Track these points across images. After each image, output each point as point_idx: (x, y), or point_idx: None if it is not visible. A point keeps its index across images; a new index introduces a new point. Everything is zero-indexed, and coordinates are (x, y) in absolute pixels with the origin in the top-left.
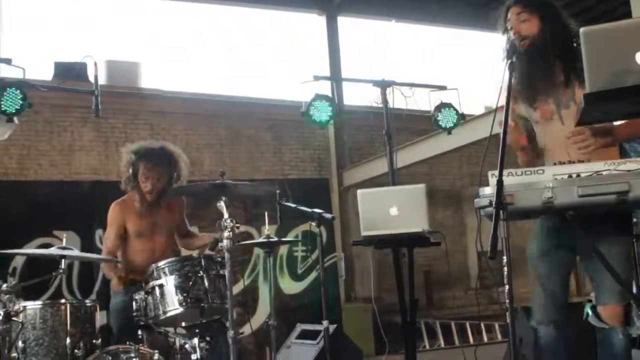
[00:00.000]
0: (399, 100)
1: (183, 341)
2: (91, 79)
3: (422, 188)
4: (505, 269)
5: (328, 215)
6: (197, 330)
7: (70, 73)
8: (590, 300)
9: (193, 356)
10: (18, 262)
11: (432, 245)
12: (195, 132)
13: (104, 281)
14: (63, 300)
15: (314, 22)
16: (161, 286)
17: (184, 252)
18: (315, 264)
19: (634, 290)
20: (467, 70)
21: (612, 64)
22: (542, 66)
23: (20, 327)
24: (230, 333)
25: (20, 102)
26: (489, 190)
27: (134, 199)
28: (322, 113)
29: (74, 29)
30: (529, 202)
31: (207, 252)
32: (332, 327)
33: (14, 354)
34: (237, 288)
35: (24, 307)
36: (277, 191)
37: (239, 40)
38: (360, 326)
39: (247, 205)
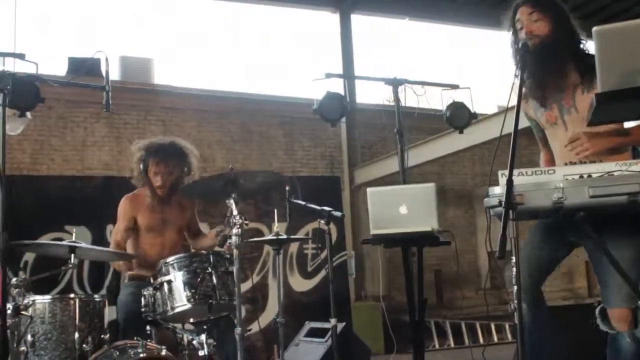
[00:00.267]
0: (411, 98)
1: (191, 337)
2: (103, 74)
3: (432, 187)
4: (514, 269)
5: (337, 213)
6: (205, 327)
7: (83, 69)
8: (600, 302)
9: (200, 352)
10: (29, 257)
11: (441, 245)
12: (207, 129)
13: (114, 276)
14: (72, 295)
15: (327, 20)
16: (169, 282)
17: None
18: (325, 262)
19: None
20: (480, 69)
21: (624, 64)
22: (551, 66)
23: (29, 321)
24: (238, 330)
25: (33, 97)
26: (498, 190)
27: (145, 194)
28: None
29: (89, 25)
30: (539, 202)
31: (216, 248)
32: (340, 326)
33: (23, 348)
34: (246, 285)
35: (33, 301)
36: (287, 188)
37: (252, 37)
38: (370, 325)
39: (257, 202)
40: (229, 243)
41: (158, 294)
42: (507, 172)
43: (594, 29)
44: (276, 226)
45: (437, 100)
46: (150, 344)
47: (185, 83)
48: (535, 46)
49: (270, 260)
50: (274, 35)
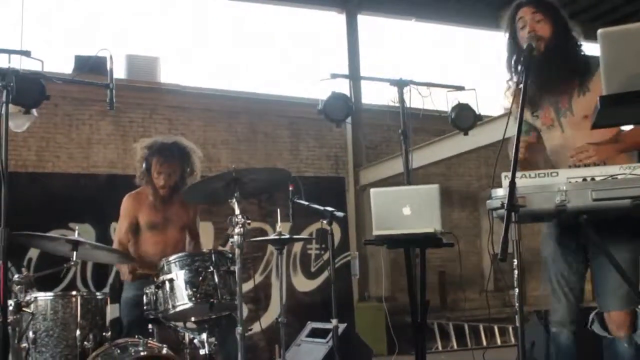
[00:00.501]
0: (416, 99)
1: (192, 336)
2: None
3: (435, 188)
4: (516, 272)
5: (339, 214)
6: (206, 326)
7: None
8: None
9: (202, 351)
10: (33, 254)
11: (444, 246)
12: (213, 128)
13: (117, 274)
14: (74, 292)
15: (334, 20)
16: (171, 280)
17: None
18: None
19: None
20: (486, 71)
21: (629, 66)
22: (554, 72)
23: (30, 317)
24: (239, 329)
25: (37, 94)
26: (501, 192)
27: (147, 193)
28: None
29: (96, 24)
30: (542, 205)
31: (219, 247)
32: (342, 326)
33: (24, 344)
34: (248, 285)
35: (35, 298)
36: (290, 188)
37: (258, 37)
38: (372, 325)
39: (261, 201)
40: (231, 242)
41: (160, 292)
42: (509, 174)
43: (599, 31)
44: (279, 226)
45: (442, 102)
46: (151, 342)
47: (191, 82)
48: (539, 52)
49: (273, 260)
50: (281, 35)
